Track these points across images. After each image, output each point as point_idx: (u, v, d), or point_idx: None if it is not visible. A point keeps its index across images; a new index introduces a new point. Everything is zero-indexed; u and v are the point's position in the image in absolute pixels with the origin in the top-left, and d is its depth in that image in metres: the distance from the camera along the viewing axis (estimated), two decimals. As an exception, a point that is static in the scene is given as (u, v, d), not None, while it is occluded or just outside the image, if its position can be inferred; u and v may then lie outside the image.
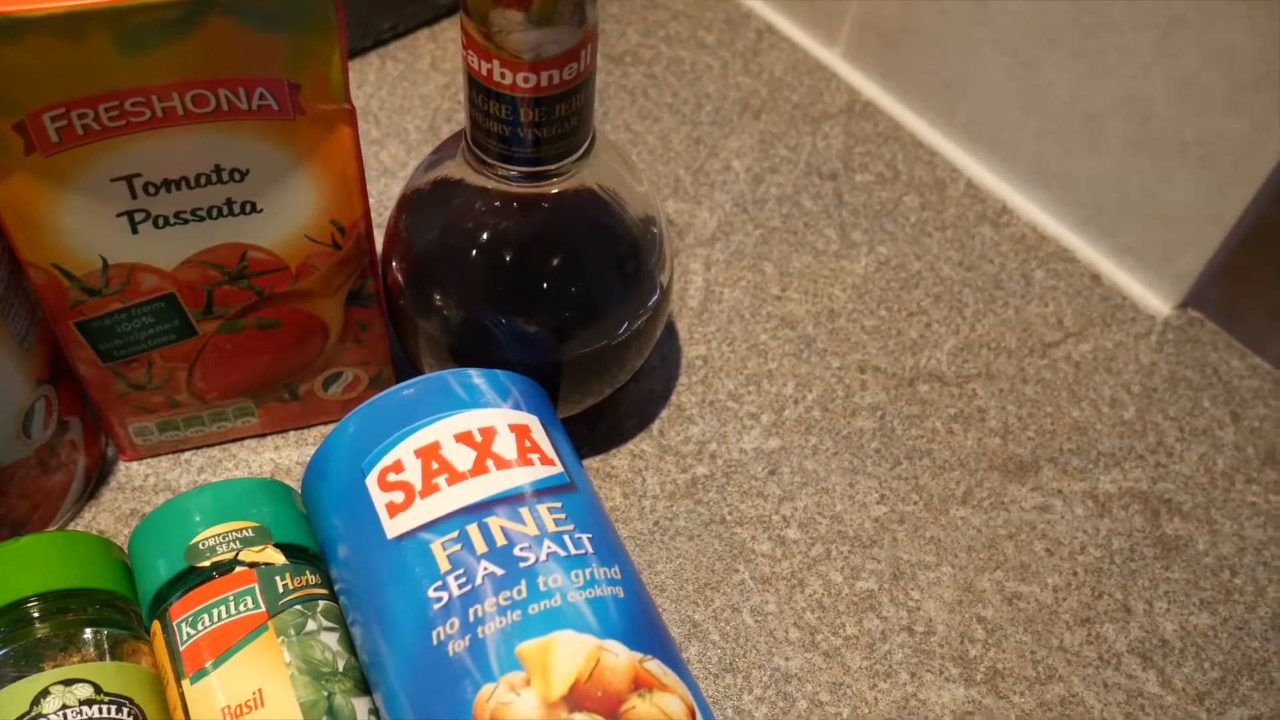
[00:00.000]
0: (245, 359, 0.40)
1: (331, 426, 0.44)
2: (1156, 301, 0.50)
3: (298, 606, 0.34)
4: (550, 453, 0.35)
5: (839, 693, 0.39)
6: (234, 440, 0.43)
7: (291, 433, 0.44)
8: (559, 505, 0.34)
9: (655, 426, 0.45)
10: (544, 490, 0.34)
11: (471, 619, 0.31)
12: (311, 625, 0.34)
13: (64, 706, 0.32)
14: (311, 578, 0.35)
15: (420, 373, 0.42)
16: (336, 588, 0.35)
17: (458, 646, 0.31)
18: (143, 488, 0.42)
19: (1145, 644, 0.41)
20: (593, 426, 0.44)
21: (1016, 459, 0.45)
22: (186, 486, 0.42)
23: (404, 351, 0.42)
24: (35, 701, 0.32)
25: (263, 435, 0.44)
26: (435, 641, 0.31)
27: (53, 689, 0.32)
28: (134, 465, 0.43)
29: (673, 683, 0.31)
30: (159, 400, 0.40)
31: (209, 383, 0.40)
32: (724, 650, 0.40)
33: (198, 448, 0.43)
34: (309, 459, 0.43)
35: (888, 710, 0.39)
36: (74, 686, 0.32)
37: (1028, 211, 0.53)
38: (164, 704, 0.34)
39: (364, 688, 0.34)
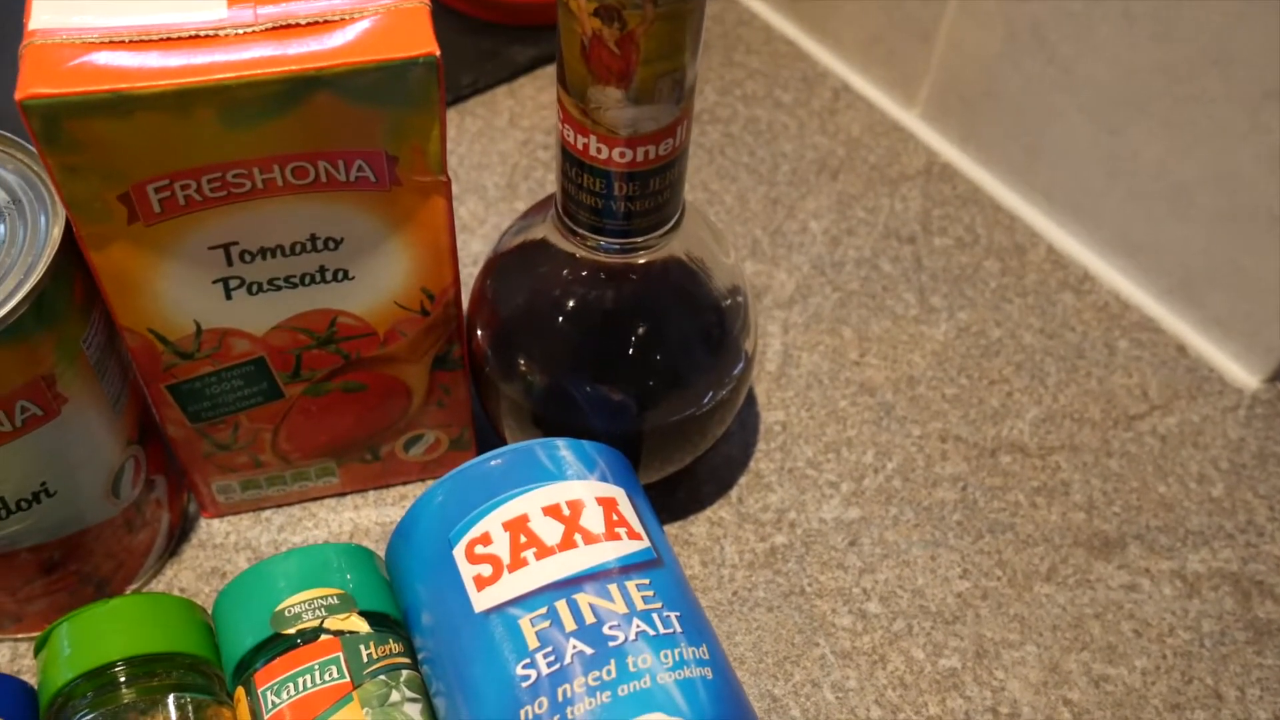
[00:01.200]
0: (330, 421, 0.40)
1: (412, 487, 0.44)
2: (1244, 375, 0.49)
3: (381, 676, 0.34)
4: (637, 526, 0.35)
5: (922, 775, 0.38)
6: (314, 499, 0.44)
7: (371, 492, 0.44)
8: (647, 582, 0.33)
9: (734, 493, 0.45)
10: (631, 566, 0.33)
11: (560, 699, 0.31)
12: (395, 696, 0.34)
13: (150, 774, 0.32)
14: (394, 646, 0.35)
15: (501, 437, 0.42)
16: (420, 656, 0.35)
17: (546, 727, 0.30)
18: (224, 545, 0.42)
19: (1237, 732, 0.40)
20: (671, 493, 0.44)
21: (1102, 535, 0.44)
22: (267, 545, 0.42)
23: (485, 415, 0.42)
24: (123, 768, 0.32)
25: (342, 494, 0.44)
26: (523, 721, 0.31)
27: (140, 756, 0.32)
28: (215, 523, 0.43)
29: (762, 770, 0.31)
30: (243, 460, 0.41)
31: (293, 443, 0.41)
32: (804, 727, 0.39)
33: (278, 506, 0.43)
34: (389, 520, 0.43)
35: (972, 794, 0.38)
36: (161, 754, 0.32)
37: (1110, 279, 0.52)
38: (247, 772, 0.34)
39: (446, 761, 0.34)
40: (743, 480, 0.45)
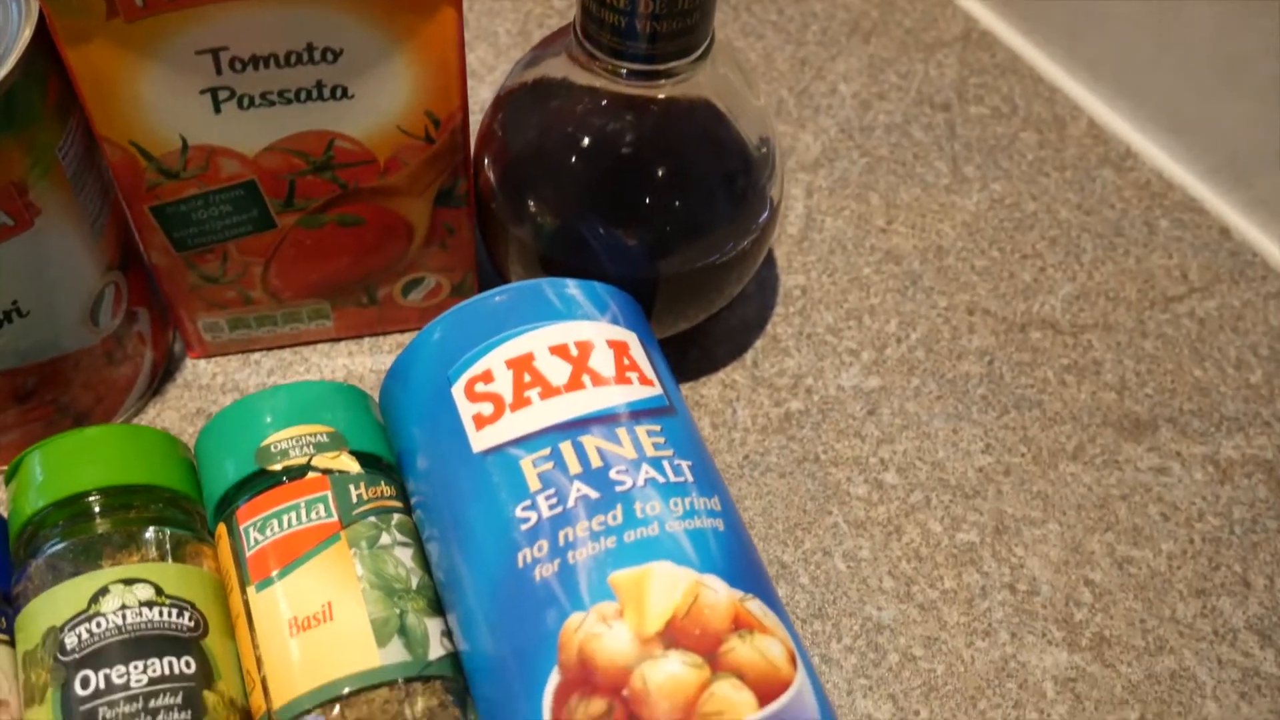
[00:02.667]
0: (324, 257, 0.38)
1: (410, 334, 0.42)
2: (1291, 258, 0.47)
3: (371, 518, 0.32)
4: (649, 373, 0.33)
5: (933, 648, 0.37)
6: (307, 343, 0.41)
7: (367, 339, 0.42)
8: (658, 429, 0.31)
9: (749, 356, 0.42)
10: (642, 412, 0.31)
11: (562, 543, 0.29)
12: (385, 539, 0.32)
13: (123, 606, 0.30)
14: (386, 489, 0.33)
15: (506, 282, 0.39)
16: (413, 501, 0.33)
17: (546, 571, 0.28)
18: (210, 387, 0.40)
19: (1264, 621, 0.38)
20: (683, 352, 0.42)
21: (1133, 416, 0.42)
22: (255, 388, 0.40)
23: (490, 259, 0.40)
24: (94, 599, 0.30)
25: (337, 340, 0.42)
26: (521, 564, 0.29)
27: (112, 587, 0.30)
28: (201, 363, 0.41)
29: (773, 625, 0.29)
30: (232, 296, 0.38)
31: (285, 280, 0.38)
32: (813, 595, 0.37)
33: (268, 349, 0.41)
34: (384, 368, 0.41)
35: (985, 670, 0.36)
36: (134, 586, 0.30)
37: (1153, 156, 0.49)
38: (226, 610, 0.32)
39: (437, 608, 0.32)
40: (759, 344, 0.43)
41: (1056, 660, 0.37)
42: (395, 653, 0.30)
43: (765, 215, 0.37)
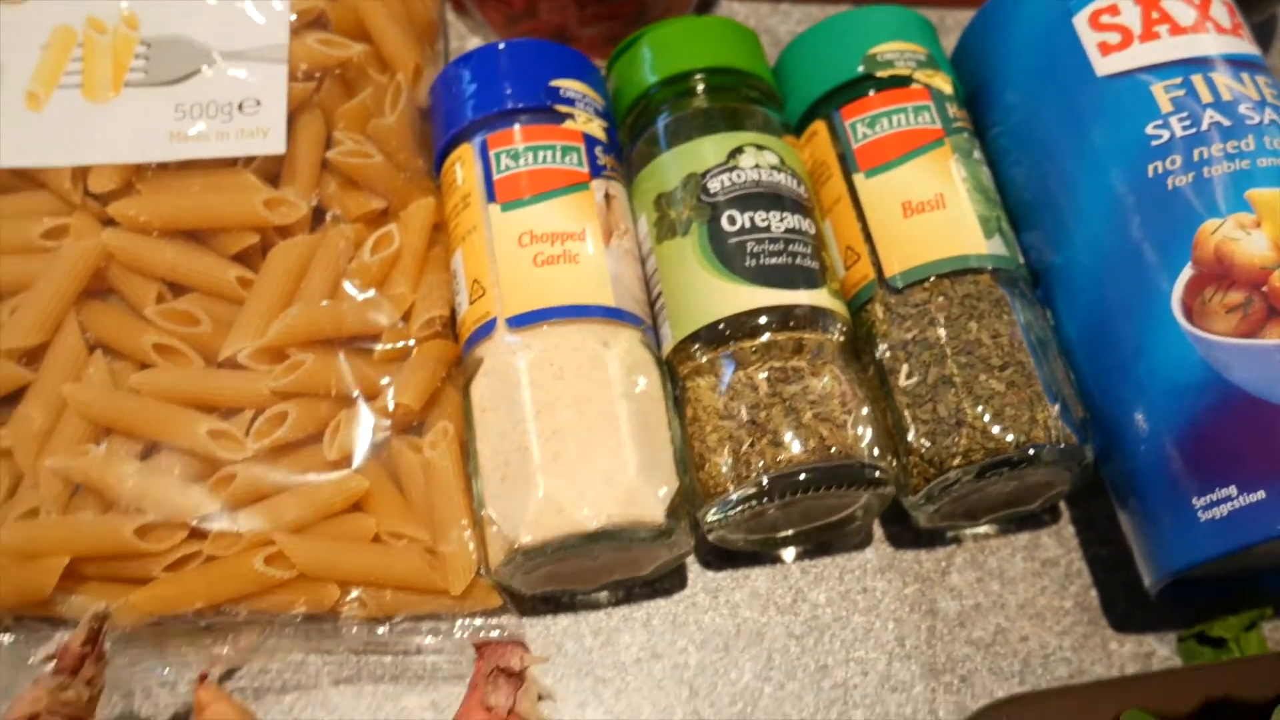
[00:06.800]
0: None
1: (922, 8, 0.43)
2: None
3: (964, 134, 0.34)
4: (1251, 38, 0.34)
5: None
6: (830, 1, 0.43)
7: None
8: (1269, 82, 0.33)
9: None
10: (1254, 65, 0.33)
11: (1196, 159, 0.31)
12: (976, 155, 0.34)
13: (757, 165, 0.33)
14: (967, 114, 0.35)
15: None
16: (992, 131, 0.35)
17: (1179, 181, 0.30)
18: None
19: None
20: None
21: None
22: (786, 35, 0.42)
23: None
24: (732, 154, 0.33)
25: (859, 3, 0.43)
26: (1151, 174, 0.31)
27: (747, 148, 0.33)
28: (736, 4, 0.43)
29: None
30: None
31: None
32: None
33: (796, 1, 0.43)
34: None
35: None
36: (764, 151, 0.33)
37: None
38: (818, 196, 0.35)
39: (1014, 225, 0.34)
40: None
41: None
42: (997, 246, 0.33)
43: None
